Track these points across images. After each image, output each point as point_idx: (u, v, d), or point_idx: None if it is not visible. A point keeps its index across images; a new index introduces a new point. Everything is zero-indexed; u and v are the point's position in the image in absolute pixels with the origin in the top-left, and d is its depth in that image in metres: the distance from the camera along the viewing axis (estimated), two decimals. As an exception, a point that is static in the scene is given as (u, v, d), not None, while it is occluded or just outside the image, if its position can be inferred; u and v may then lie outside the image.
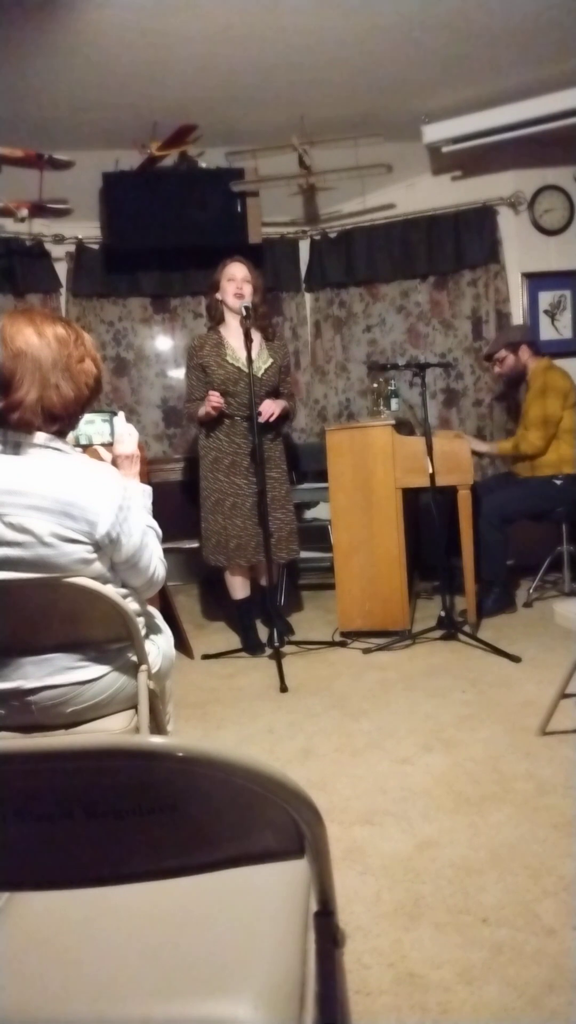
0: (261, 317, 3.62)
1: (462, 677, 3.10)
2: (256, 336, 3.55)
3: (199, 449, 3.70)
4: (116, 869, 0.77)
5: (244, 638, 3.70)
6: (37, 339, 1.58)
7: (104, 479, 1.62)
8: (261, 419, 3.40)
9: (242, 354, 3.40)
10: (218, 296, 3.60)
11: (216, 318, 3.66)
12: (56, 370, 1.58)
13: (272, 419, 3.51)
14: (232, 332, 3.55)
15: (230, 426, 3.56)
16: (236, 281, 3.53)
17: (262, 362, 3.55)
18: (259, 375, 3.49)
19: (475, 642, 3.42)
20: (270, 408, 3.49)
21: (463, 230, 4.84)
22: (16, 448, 1.59)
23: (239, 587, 3.71)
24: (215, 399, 3.44)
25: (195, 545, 4.70)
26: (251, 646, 3.64)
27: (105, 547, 1.61)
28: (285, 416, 3.70)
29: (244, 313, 3.33)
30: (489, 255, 4.81)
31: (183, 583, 4.93)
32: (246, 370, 3.38)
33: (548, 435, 3.90)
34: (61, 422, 1.62)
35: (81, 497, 1.57)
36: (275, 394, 3.64)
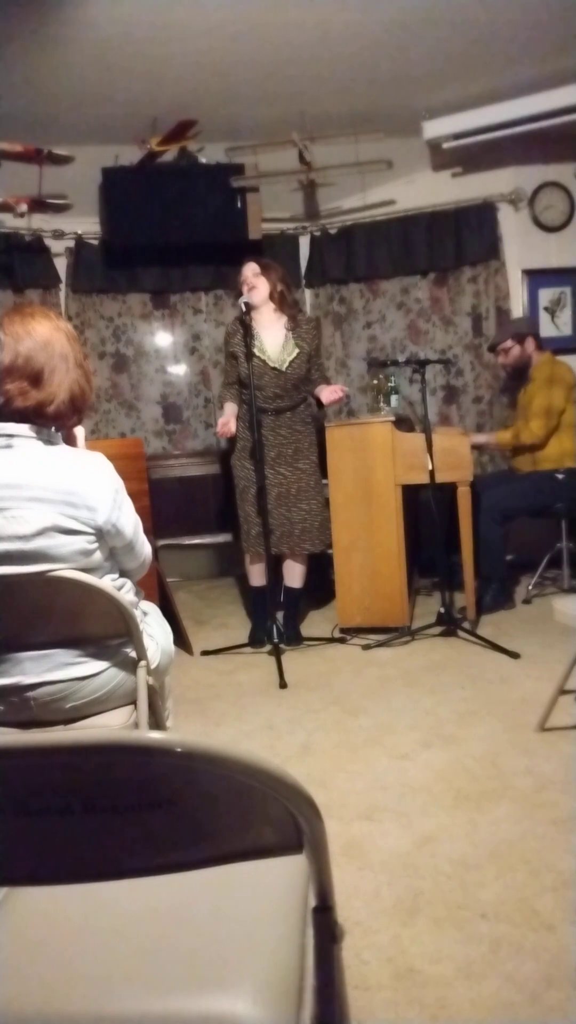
0: (290, 306, 3.65)
1: (461, 673, 3.10)
2: (281, 325, 3.59)
3: (237, 440, 3.70)
4: (115, 864, 0.77)
5: (252, 627, 3.75)
6: (58, 333, 1.60)
7: (96, 466, 1.64)
8: (328, 401, 3.60)
9: (268, 347, 3.53)
10: None
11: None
12: (75, 364, 1.62)
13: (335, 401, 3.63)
14: (261, 323, 3.60)
15: (259, 419, 3.55)
16: (243, 280, 3.61)
17: (287, 354, 3.55)
18: (283, 368, 3.52)
19: (474, 638, 3.42)
20: (334, 394, 3.59)
21: (463, 226, 4.83)
22: (7, 442, 1.59)
23: (256, 574, 3.74)
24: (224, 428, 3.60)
25: (195, 542, 4.68)
26: (255, 637, 3.66)
27: (108, 533, 1.62)
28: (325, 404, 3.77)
29: (244, 308, 3.39)
30: (489, 252, 4.81)
31: (182, 580, 4.92)
32: (272, 364, 3.48)
33: (550, 426, 3.90)
34: (79, 415, 1.67)
35: (80, 485, 1.58)
36: (304, 384, 3.63)
